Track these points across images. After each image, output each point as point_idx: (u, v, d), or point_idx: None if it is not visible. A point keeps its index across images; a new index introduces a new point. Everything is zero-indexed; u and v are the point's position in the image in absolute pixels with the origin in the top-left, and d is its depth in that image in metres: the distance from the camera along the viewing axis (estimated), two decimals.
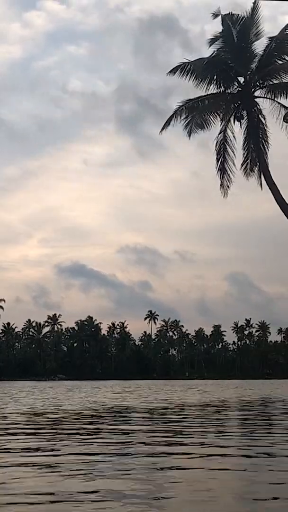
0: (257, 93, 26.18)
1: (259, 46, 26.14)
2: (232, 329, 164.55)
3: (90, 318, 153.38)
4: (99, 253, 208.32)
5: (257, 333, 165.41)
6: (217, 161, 26.34)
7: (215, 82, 25.89)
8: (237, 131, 26.40)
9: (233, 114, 26.24)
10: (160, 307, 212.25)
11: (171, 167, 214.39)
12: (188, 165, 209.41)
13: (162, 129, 26.33)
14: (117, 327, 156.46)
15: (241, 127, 26.22)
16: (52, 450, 9.94)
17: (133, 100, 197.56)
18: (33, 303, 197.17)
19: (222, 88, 26.18)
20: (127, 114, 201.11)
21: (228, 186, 26.20)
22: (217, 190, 26.09)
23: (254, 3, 26.14)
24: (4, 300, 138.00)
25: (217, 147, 26.37)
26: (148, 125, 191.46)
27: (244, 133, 26.35)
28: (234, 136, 26.38)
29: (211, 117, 25.96)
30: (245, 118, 26.04)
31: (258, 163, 25.96)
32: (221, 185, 26.20)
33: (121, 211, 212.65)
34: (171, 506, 5.89)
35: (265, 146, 25.91)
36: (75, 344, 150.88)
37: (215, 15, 25.76)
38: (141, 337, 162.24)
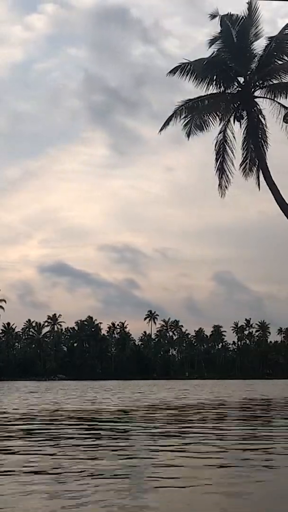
0: (257, 93, 26.20)
1: (259, 46, 26.21)
2: (232, 329, 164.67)
3: (90, 318, 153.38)
4: (97, 253, 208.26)
5: (257, 333, 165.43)
6: (216, 161, 26.37)
7: (215, 82, 25.89)
8: (237, 131, 26.43)
9: (233, 114, 26.23)
10: (150, 306, 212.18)
11: (165, 165, 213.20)
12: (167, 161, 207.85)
13: (161, 129, 26.35)
14: (117, 327, 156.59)
15: (240, 127, 26.24)
16: None
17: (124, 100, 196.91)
18: (19, 302, 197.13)
19: (222, 88, 26.18)
20: (124, 114, 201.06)
21: (226, 187, 26.24)
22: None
23: (248, 3, 26.11)
24: (5, 301, 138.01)
25: (216, 147, 26.38)
26: (146, 125, 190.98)
27: (243, 133, 26.35)
28: (234, 136, 26.41)
29: (210, 118, 25.95)
30: (245, 118, 26.03)
31: (257, 163, 25.97)
32: (219, 185, 26.24)
33: (120, 211, 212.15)
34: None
35: (265, 146, 25.92)
36: (75, 344, 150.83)
37: (213, 16, 25.72)
38: (141, 337, 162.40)
